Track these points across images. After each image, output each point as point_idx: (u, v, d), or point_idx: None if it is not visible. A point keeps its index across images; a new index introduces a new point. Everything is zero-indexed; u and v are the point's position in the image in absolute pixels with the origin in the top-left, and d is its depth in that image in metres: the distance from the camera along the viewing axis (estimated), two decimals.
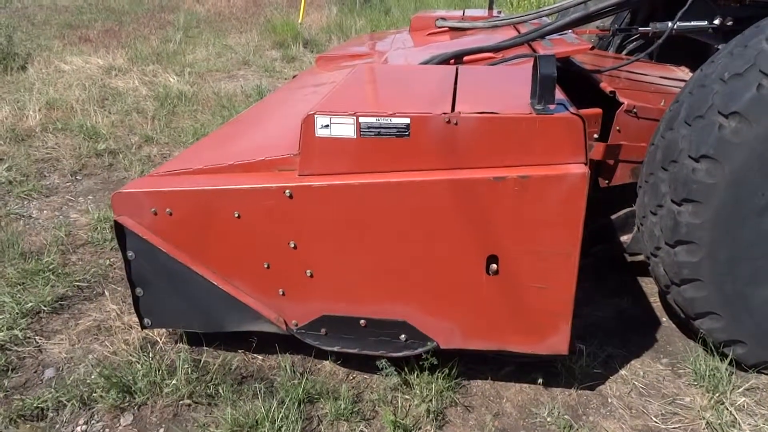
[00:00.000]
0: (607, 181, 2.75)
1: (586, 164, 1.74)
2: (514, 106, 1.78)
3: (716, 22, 3.09)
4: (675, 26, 3.09)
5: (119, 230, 2.08)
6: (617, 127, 2.62)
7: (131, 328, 2.48)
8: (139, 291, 2.18)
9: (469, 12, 4.97)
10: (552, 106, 1.76)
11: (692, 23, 3.14)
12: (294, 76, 3.90)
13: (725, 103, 1.98)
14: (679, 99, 2.25)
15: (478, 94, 2.01)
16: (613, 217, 2.83)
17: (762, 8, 2.84)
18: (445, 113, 1.75)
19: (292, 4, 12.59)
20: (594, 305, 2.71)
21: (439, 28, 4.27)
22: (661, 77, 3.38)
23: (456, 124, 1.74)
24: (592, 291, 2.79)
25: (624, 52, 4.19)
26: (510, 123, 1.72)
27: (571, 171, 1.70)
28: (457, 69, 2.41)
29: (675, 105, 2.26)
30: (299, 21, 10.22)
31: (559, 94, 1.91)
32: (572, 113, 1.72)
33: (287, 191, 1.87)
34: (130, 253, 2.11)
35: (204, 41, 8.64)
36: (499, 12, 4.83)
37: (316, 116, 1.80)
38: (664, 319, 2.65)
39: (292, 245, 1.94)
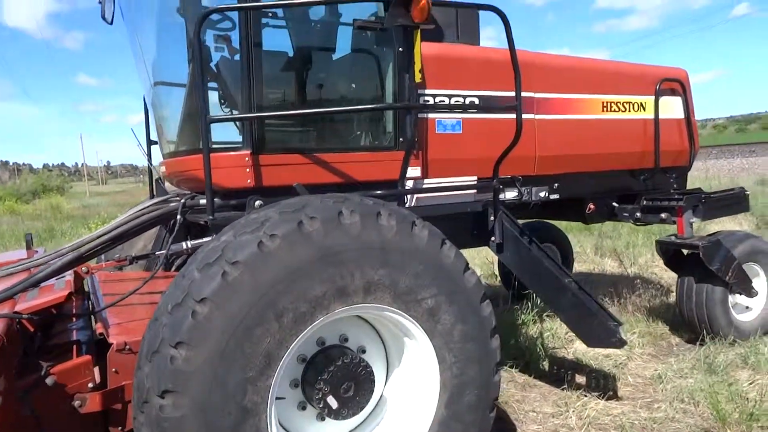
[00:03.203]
0: (120, 428, 2.51)
1: None
2: None
3: None
4: (189, 246, 3.27)
5: None
6: (113, 369, 2.45)
7: None
8: None
9: (2, 256, 4.45)
10: None
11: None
12: None
13: (172, 334, 2.01)
14: (144, 335, 2.23)
15: None
16: None
17: None
18: None
19: None
20: None
21: None
22: None
23: None
24: None
25: (173, 269, 4.26)
26: None
27: None
28: None
29: (143, 341, 2.22)
30: None
31: None
32: None
33: None
34: None
35: None
36: (37, 251, 4.45)
37: None
38: None
39: None
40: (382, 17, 3.22)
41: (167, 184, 4.23)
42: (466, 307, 2.50)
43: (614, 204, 4.87)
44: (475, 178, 3.66)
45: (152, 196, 4.54)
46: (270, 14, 3.33)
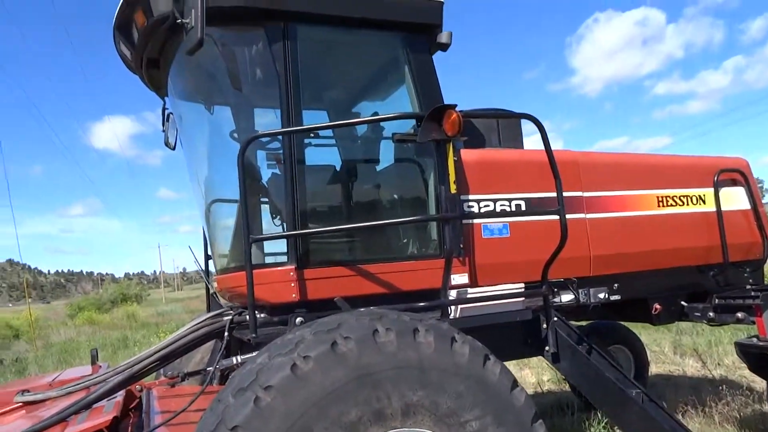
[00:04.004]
0: None
1: None
2: None
3: None
4: (239, 360, 3.26)
5: None
6: None
7: None
8: None
9: (68, 372, 4.61)
10: None
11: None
12: None
13: None
14: None
15: None
16: None
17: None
18: None
19: None
20: None
21: (17, 403, 3.79)
22: None
23: None
24: None
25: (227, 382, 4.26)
26: None
27: None
28: None
29: None
30: None
31: None
32: None
33: None
34: None
35: None
36: (101, 366, 4.59)
37: None
38: None
39: None
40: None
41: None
42: (515, 429, 2.32)
43: (683, 303, 4.56)
44: (523, 284, 3.52)
45: (208, 310, 4.65)
46: (312, 134, 3.50)
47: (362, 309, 2.55)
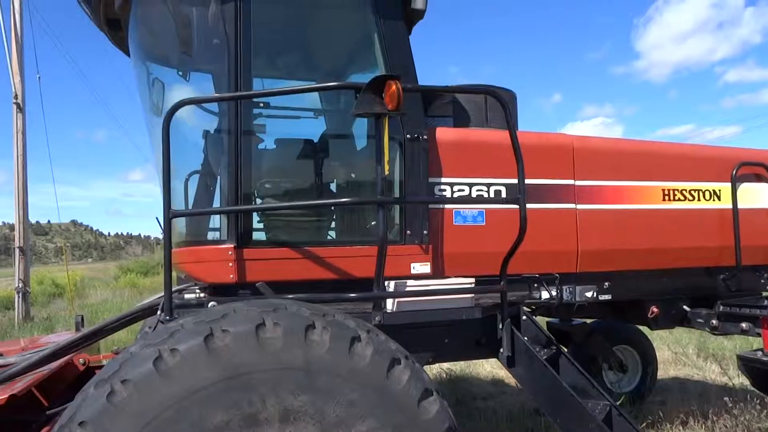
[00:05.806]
0: None
1: None
2: None
3: None
4: None
5: None
6: None
7: None
8: None
9: (49, 337, 4.59)
10: None
11: None
12: None
13: None
14: None
15: None
16: None
17: None
18: None
19: None
20: None
21: None
22: None
23: None
24: None
25: None
26: None
27: None
28: None
29: None
30: None
31: None
32: None
33: None
34: None
35: None
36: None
37: None
38: None
39: None
40: None
41: None
42: None
43: (686, 308, 4.11)
44: (473, 279, 3.18)
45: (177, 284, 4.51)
46: (261, 104, 3.25)
47: (268, 298, 2.31)
